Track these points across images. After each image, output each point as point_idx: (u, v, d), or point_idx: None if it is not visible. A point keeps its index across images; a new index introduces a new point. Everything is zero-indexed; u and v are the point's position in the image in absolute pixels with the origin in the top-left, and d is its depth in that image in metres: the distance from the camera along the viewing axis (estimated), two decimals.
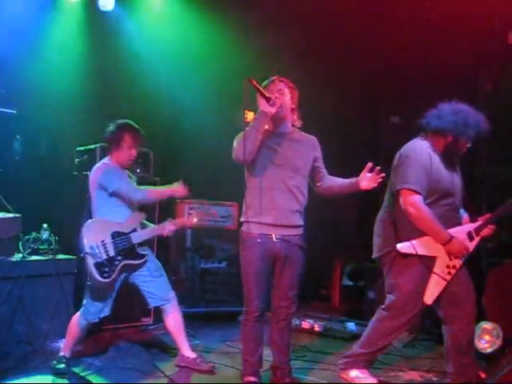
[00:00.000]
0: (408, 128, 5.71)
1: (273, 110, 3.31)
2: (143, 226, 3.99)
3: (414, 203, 3.37)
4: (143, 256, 3.87)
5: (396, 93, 5.98)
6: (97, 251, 3.67)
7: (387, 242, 3.53)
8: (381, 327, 3.62)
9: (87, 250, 3.67)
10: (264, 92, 3.31)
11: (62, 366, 3.73)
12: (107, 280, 3.68)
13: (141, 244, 3.89)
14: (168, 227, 3.97)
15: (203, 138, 5.85)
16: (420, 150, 3.48)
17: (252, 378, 3.48)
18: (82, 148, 5.02)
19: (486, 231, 3.54)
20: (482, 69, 5.23)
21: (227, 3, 5.85)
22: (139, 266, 3.89)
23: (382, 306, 3.63)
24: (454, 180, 3.52)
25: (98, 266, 3.67)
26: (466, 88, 5.10)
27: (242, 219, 3.55)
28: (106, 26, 5.64)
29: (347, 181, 3.61)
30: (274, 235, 3.42)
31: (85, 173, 4.81)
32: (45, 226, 4.46)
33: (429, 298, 3.45)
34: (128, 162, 3.97)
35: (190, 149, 6.00)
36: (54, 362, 3.76)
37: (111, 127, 3.95)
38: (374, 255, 3.66)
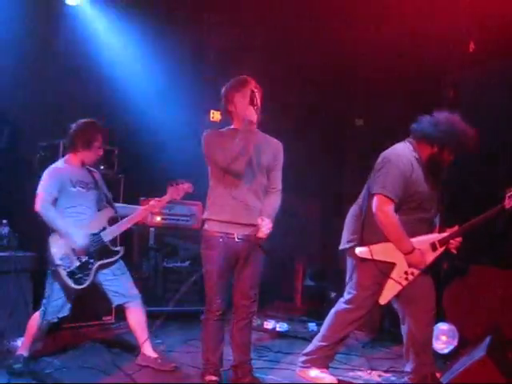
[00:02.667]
0: (372, 131, 5.86)
1: (256, 115, 3.34)
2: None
3: (385, 210, 3.42)
4: (117, 252, 3.86)
5: (361, 96, 6.06)
6: (68, 261, 3.63)
7: (354, 237, 3.60)
8: (340, 319, 3.70)
9: (57, 261, 3.62)
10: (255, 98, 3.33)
11: (19, 365, 3.64)
12: (83, 286, 3.68)
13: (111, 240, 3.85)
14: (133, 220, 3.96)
15: (168, 136, 5.81)
16: (403, 157, 3.50)
17: (213, 378, 3.49)
18: (44, 143, 4.92)
19: (452, 244, 3.59)
20: (445, 75, 5.35)
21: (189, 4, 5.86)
22: (117, 261, 3.87)
23: (343, 300, 3.71)
24: (432, 192, 3.55)
25: (72, 274, 3.64)
26: (429, 94, 5.22)
27: (203, 216, 3.55)
28: (73, 21, 5.53)
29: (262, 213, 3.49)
30: (236, 234, 3.42)
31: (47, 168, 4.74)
32: (4, 221, 4.37)
33: (383, 299, 3.55)
34: (94, 162, 3.95)
35: (155, 146, 5.95)
36: (11, 361, 3.67)
37: (79, 126, 3.86)
38: (341, 247, 3.73)
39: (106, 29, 5.71)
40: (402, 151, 3.55)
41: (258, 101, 3.35)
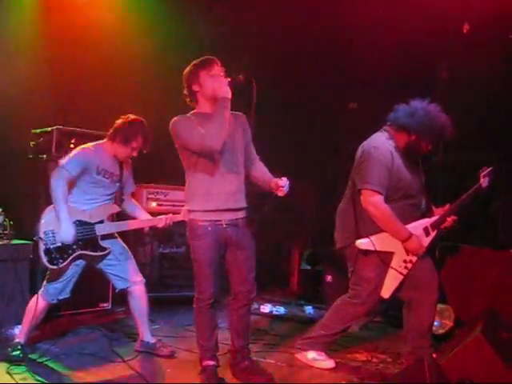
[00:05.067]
0: (366, 115, 5.84)
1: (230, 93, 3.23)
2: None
3: (375, 203, 3.44)
4: (104, 249, 3.79)
5: (355, 79, 6.04)
6: (50, 237, 3.60)
7: (349, 235, 3.60)
8: (343, 312, 3.73)
9: (40, 234, 3.60)
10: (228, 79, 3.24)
11: (18, 352, 3.65)
12: (54, 267, 3.62)
13: (107, 236, 3.81)
14: (137, 225, 3.95)
15: (158, 121, 5.77)
16: (382, 148, 3.51)
17: (211, 362, 3.49)
18: (37, 130, 4.89)
19: (447, 223, 3.64)
20: (439, 57, 5.33)
21: None
22: (100, 258, 3.82)
23: (348, 295, 3.72)
24: (414, 178, 3.58)
25: (48, 252, 3.60)
26: (423, 76, 5.21)
27: (187, 207, 3.42)
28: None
29: (267, 179, 3.43)
30: (223, 221, 3.36)
31: (41, 156, 4.72)
32: None
33: (386, 292, 3.55)
34: (124, 159, 3.87)
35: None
36: (9, 349, 3.68)
37: (126, 121, 3.80)
38: (337, 246, 3.73)
39: (102, 12, 5.62)
40: (380, 142, 3.55)
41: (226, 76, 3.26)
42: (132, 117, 3.84)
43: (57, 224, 3.62)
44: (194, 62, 3.38)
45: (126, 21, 5.70)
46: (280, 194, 3.26)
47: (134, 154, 3.83)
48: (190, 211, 3.39)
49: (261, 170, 3.51)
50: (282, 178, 3.27)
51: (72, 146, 4.59)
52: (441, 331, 4.43)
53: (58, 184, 3.62)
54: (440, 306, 4.43)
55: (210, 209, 3.33)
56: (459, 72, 5.16)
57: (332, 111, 6.32)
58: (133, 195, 4.13)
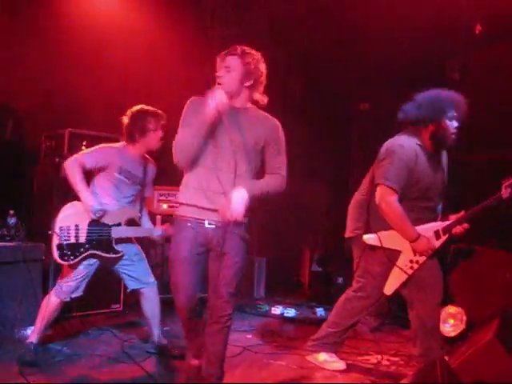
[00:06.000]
0: (378, 115, 5.82)
1: (222, 94, 2.89)
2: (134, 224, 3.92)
3: (389, 201, 3.42)
4: (118, 252, 3.78)
5: (366, 80, 6.02)
6: (65, 233, 3.62)
7: (360, 225, 3.60)
8: (349, 307, 3.72)
9: (56, 229, 3.62)
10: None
11: (30, 353, 3.66)
12: (65, 262, 3.64)
13: (122, 239, 3.81)
14: (156, 232, 3.94)
15: (174, 123, 5.79)
16: (407, 147, 3.47)
17: (195, 361, 3.20)
18: (49, 133, 4.92)
19: (457, 229, 3.59)
20: (451, 58, 5.30)
21: None
22: (112, 260, 3.83)
23: (352, 288, 3.71)
24: (436, 181, 3.55)
25: (60, 247, 3.62)
26: (434, 77, 5.18)
27: (177, 199, 3.12)
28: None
29: None
30: (206, 221, 2.96)
31: (53, 158, 4.75)
32: (11, 212, 4.38)
33: (388, 289, 3.54)
34: (158, 144, 3.85)
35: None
36: (22, 351, 3.68)
37: (130, 119, 3.80)
38: (347, 235, 3.73)
39: (111, 16, 5.65)
40: (406, 141, 3.52)
41: (229, 77, 2.93)
42: (131, 109, 3.85)
43: (73, 220, 3.65)
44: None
45: (139, 24, 5.72)
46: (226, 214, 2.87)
47: (160, 134, 3.81)
48: (179, 204, 3.08)
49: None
50: (236, 190, 2.87)
51: (84, 148, 4.62)
52: (453, 334, 4.40)
53: (73, 170, 3.64)
54: (452, 308, 4.41)
55: (193, 203, 2.97)
56: (471, 72, 5.12)
57: (344, 111, 6.31)
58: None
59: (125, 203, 3.85)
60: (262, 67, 3.02)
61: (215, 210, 2.93)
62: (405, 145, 3.50)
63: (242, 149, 2.97)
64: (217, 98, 2.86)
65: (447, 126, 3.48)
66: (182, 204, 3.03)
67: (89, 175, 3.79)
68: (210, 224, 2.97)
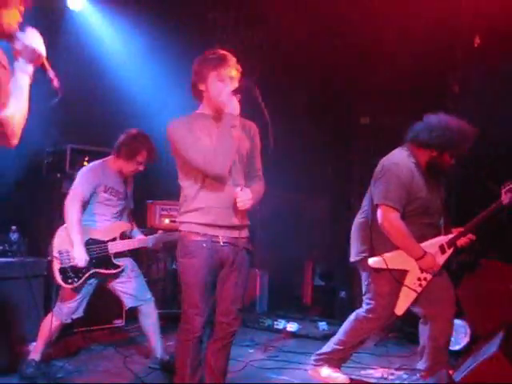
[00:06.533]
0: (378, 129, 5.84)
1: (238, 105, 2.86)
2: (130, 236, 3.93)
3: (391, 220, 3.40)
4: (118, 266, 3.80)
5: (366, 94, 6.04)
6: (65, 256, 3.62)
7: (364, 248, 3.58)
8: (358, 327, 3.69)
9: (55, 253, 3.63)
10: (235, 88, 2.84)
11: (31, 370, 3.65)
12: (69, 286, 3.64)
13: (120, 253, 3.82)
14: (151, 241, 3.94)
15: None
16: (402, 165, 3.46)
17: None
18: (51, 149, 4.94)
19: (463, 241, 3.58)
20: (450, 71, 5.33)
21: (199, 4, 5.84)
22: (113, 275, 3.83)
23: (362, 309, 3.69)
24: (433, 197, 3.53)
25: (63, 271, 3.62)
26: (434, 90, 5.20)
27: (180, 219, 2.97)
28: (77, 27, 5.53)
29: None
30: (220, 238, 2.88)
31: (55, 174, 4.77)
32: (13, 227, 4.38)
33: (399, 309, 3.51)
34: (130, 174, 3.90)
35: (163, 150, 5.95)
36: (24, 366, 3.68)
37: (129, 135, 3.83)
38: (352, 259, 3.70)
39: (111, 35, 5.70)
40: (401, 159, 3.51)
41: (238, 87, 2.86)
42: (135, 131, 3.87)
43: (70, 243, 3.64)
44: (207, 53, 2.94)
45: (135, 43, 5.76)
46: (238, 207, 2.85)
47: (141, 168, 3.84)
48: (181, 223, 2.96)
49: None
50: (239, 189, 2.86)
51: (85, 163, 4.63)
52: (457, 347, 4.37)
53: (73, 210, 3.65)
54: (456, 322, 4.38)
55: (207, 222, 2.87)
56: (470, 85, 5.14)
57: (345, 126, 6.33)
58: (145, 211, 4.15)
59: (114, 218, 3.88)
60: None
61: (230, 227, 2.89)
62: (400, 163, 3.48)
63: (241, 159, 2.95)
64: (236, 105, 2.83)
65: (447, 159, 3.48)
66: (191, 223, 2.90)
67: None
68: (224, 242, 2.89)
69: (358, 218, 3.73)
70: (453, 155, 3.48)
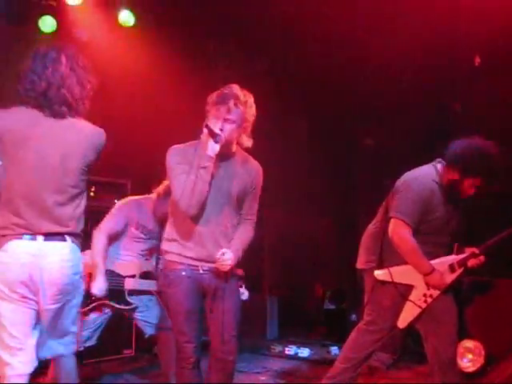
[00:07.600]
0: (382, 149, 5.86)
1: (218, 147, 2.81)
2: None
3: (402, 235, 3.38)
4: (130, 304, 3.75)
5: (369, 116, 6.08)
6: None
7: (373, 258, 3.57)
8: (361, 340, 3.64)
9: None
10: (213, 129, 2.80)
11: None
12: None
13: (135, 291, 3.77)
14: None
15: None
16: (423, 182, 3.41)
17: None
18: None
19: (474, 262, 3.54)
20: (451, 90, 5.36)
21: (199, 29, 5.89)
22: (124, 311, 3.79)
23: (363, 321, 3.66)
24: (450, 219, 3.47)
25: None
26: (436, 109, 5.23)
27: (163, 247, 3.03)
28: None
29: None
30: (200, 267, 2.91)
31: None
32: None
33: (402, 322, 3.48)
34: (164, 216, 3.61)
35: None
36: None
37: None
38: (359, 266, 3.69)
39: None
40: (424, 176, 3.46)
41: (228, 127, 2.84)
42: None
43: (86, 270, 3.63)
44: (217, 92, 2.96)
45: (140, 70, 5.80)
46: (217, 266, 2.86)
47: None
48: (163, 251, 3.02)
49: (235, 235, 2.99)
50: (224, 252, 2.84)
51: (92, 194, 4.66)
52: (472, 369, 4.30)
53: (99, 240, 3.64)
54: (469, 343, 4.32)
55: (184, 254, 2.91)
56: (472, 103, 5.16)
57: (348, 147, 6.36)
58: None
59: (140, 256, 3.85)
60: (254, 110, 2.95)
61: (209, 261, 2.89)
62: (421, 179, 3.45)
63: (229, 197, 2.93)
64: (214, 147, 2.81)
65: (468, 188, 3.38)
66: (172, 253, 2.94)
67: None
68: (204, 270, 2.91)
69: (371, 227, 3.72)
70: (474, 186, 3.39)
